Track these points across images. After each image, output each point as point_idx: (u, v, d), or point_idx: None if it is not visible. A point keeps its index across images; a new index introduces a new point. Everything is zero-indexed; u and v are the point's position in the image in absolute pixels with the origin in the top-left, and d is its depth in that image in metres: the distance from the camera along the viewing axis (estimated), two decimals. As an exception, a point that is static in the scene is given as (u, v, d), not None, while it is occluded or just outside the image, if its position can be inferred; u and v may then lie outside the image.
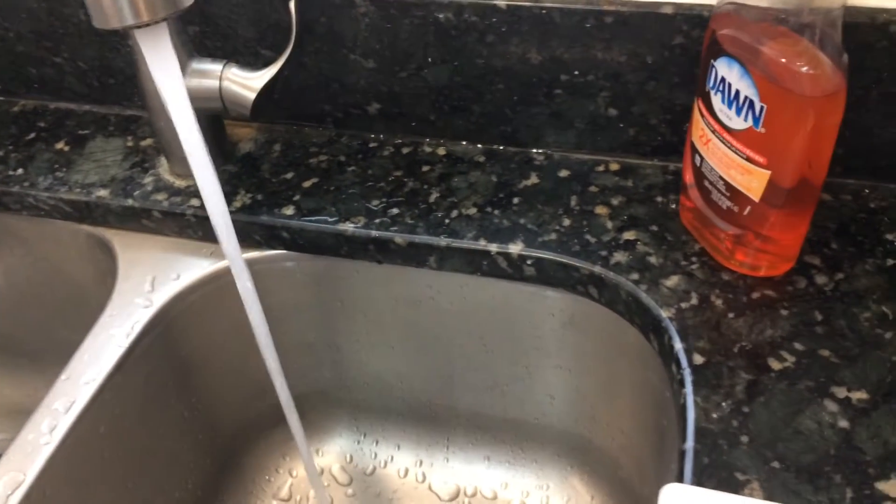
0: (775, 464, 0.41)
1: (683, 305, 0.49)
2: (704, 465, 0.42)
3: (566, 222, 0.55)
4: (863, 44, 0.49)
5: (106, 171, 0.63)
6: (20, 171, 0.64)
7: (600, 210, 0.56)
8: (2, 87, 0.72)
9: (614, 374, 0.58)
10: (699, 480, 0.41)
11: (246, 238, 0.59)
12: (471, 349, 0.63)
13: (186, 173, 0.62)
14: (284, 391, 0.53)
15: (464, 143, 0.63)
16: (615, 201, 0.57)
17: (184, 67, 0.57)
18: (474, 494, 0.70)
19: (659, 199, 0.56)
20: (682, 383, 0.46)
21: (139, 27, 0.34)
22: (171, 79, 0.36)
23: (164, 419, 0.60)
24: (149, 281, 0.59)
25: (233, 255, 0.45)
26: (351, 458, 0.73)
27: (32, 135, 0.68)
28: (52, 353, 0.73)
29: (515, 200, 0.57)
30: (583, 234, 0.54)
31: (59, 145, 0.67)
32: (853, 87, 0.50)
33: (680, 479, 0.42)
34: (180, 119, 0.37)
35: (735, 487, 0.40)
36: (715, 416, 0.44)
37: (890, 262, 0.50)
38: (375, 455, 0.72)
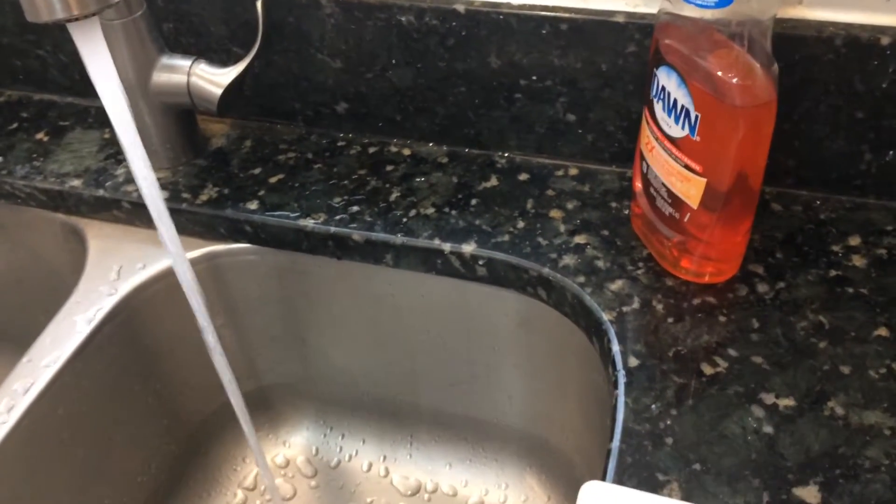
0: (696, 466, 0.42)
1: (625, 309, 0.50)
2: (627, 464, 0.42)
3: (520, 224, 0.56)
4: (810, 56, 0.50)
5: (81, 161, 0.65)
6: (0, 159, 0.66)
7: (554, 213, 0.57)
8: (-11, 79, 0.74)
9: (565, 374, 0.59)
10: (620, 479, 0.42)
11: (211, 231, 0.61)
12: (431, 347, 0.64)
13: (158, 166, 0.64)
14: (232, 384, 0.54)
15: (430, 144, 0.64)
16: (570, 205, 0.57)
17: (154, 62, 0.59)
18: (435, 491, 0.71)
19: (613, 204, 0.57)
20: (615, 384, 0.47)
21: (70, 21, 0.35)
22: (104, 72, 0.37)
23: (127, 404, 0.62)
24: (115, 270, 0.60)
25: (171, 247, 0.46)
26: (317, 450, 0.74)
27: (15, 125, 0.70)
28: (31, 337, 0.75)
29: (473, 202, 0.58)
30: (535, 237, 0.55)
31: (40, 135, 0.68)
32: (802, 98, 0.51)
33: (603, 477, 0.43)
34: (113, 112, 0.39)
35: (655, 487, 0.41)
36: (643, 416, 0.44)
37: (832, 272, 0.51)
38: (341, 448, 0.74)
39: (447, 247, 0.56)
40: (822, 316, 0.48)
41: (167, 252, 0.48)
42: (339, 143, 0.65)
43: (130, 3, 0.55)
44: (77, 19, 0.36)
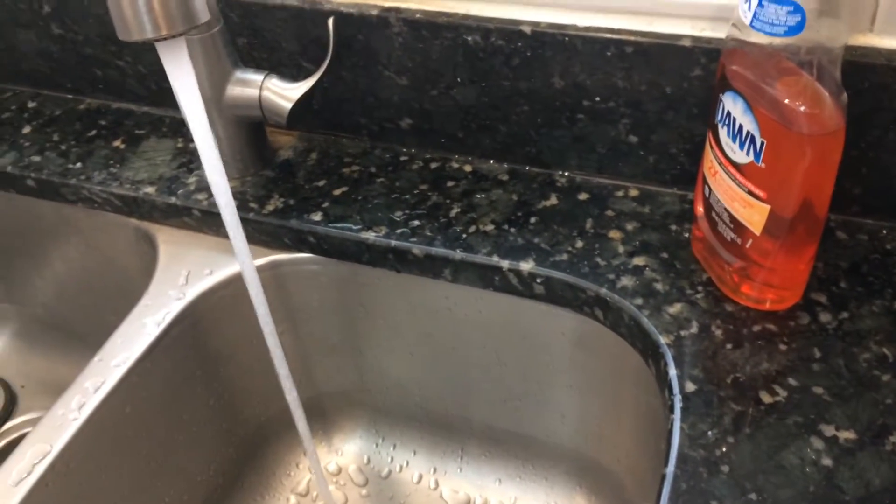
0: (752, 496, 0.42)
1: (683, 333, 0.50)
2: (682, 490, 0.42)
3: (579, 244, 0.57)
4: (880, 84, 0.49)
5: (155, 169, 0.68)
6: (79, 164, 0.69)
7: (613, 234, 0.57)
8: (71, 86, 0.77)
9: (619, 396, 0.59)
10: (674, 505, 0.42)
11: (276, 240, 0.63)
12: (485, 362, 0.65)
13: (228, 176, 0.66)
14: (292, 392, 0.56)
15: (491, 161, 0.65)
16: (629, 226, 0.57)
17: (228, 76, 0.61)
18: (483, 505, 0.71)
19: (673, 227, 0.57)
20: (671, 409, 0.46)
21: (158, 40, 0.37)
22: (187, 88, 0.39)
23: (189, 406, 0.64)
24: (184, 275, 0.62)
25: (242, 256, 0.48)
26: (368, 459, 0.75)
27: (94, 132, 0.73)
28: (101, 336, 0.77)
29: (532, 220, 0.59)
30: (593, 257, 0.56)
31: (117, 143, 0.71)
32: (871, 126, 0.50)
33: (657, 502, 0.42)
34: (195, 126, 0.40)
35: (708, 515, 0.41)
36: (699, 443, 0.44)
37: (899, 304, 0.50)
38: (392, 459, 0.75)
39: (505, 264, 0.56)
40: (886, 348, 0.47)
41: (237, 260, 0.49)
42: (402, 158, 0.66)
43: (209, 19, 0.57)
44: (165, 39, 0.37)
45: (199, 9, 0.38)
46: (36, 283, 0.82)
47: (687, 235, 0.56)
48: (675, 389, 0.47)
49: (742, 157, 0.45)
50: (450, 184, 0.63)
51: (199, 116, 0.40)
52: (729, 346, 0.49)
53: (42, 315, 0.84)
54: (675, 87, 0.54)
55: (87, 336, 0.83)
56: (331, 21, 0.60)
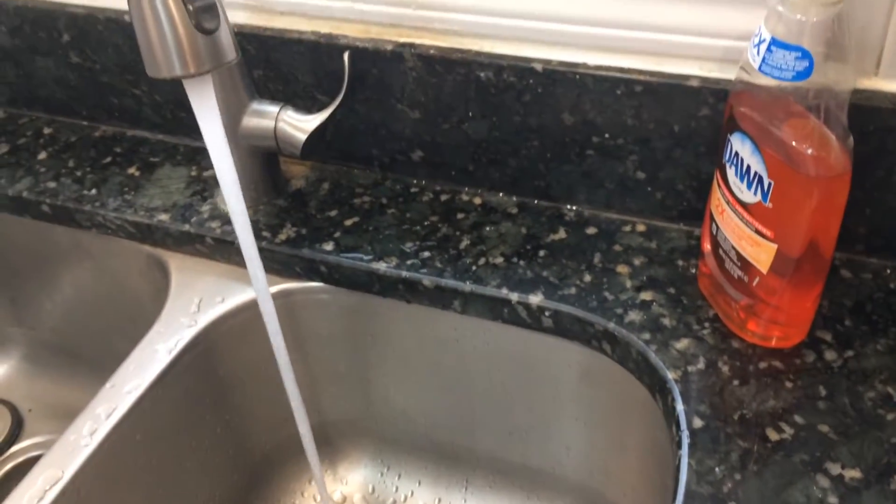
0: (759, 532, 0.42)
1: (690, 369, 0.51)
2: (689, 526, 0.43)
3: (587, 278, 0.57)
4: (885, 127, 0.50)
5: (169, 196, 0.69)
6: (94, 191, 0.70)
7: (621, 269, 0.58)
8: (87, 114, 0.78)
9: (625, 430, 0.59)
10: (681, 541, 0.42)
11: (288, 269, 0.63)
12: (492, 393, 0.65)
13: (240, 205, 0.67)
14: (304, 422, 0.56)
15: (500, 194, 0.66)
16: (637, 261, 0.58)
17: (244, 107, 0.62)
18: (488, 536, 0.71)
19: (680, 262, 0.58)
20: (679, 444, 0.47)
21: (186, 78, 0.38)
22: (212, 125, 0.40)
23: (197, 432, 0.64)
24: (196, 302, 0.63)
25: (259, 286, 0.49)
26: (373, 489, 0.75)
27: (109, 159, 0.74)
28: (109, 361, 0.78)
29: (541, 253, 0.60)
30: (601, 291, 0.56)
31: (131, 170, 0.72)
32: (876, 167, 0.51)
33: (664, 537, 0.43)
34: (218, 161, 0.41)
35: (716, 551, 0.41)
36: (706, 479, 0.45)
37: (903, 343, 0.50)
38: (397, 489, 0.75)
39: (514, 296, 0.57)
40: (891, 387, 0.48)
41: (254, 288, 0.50)
42: (413, 190, 0.67)
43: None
44: (192, 77, 0.39)
45: (226, 48, 0.39)
46: (45, 307, 0.82)
47: (693, 271, 0.57)
48: (683, 425, 0.47)
49: (750, 196, 0.46)
50: (460, 216, 0.64)
51: (223, 153, 0.41)
52: (736, 382, 0.49)
53: (50, 339, 0.85)
54: (683, 125, 0.55)
55: (94, 360, 0.83)
56: (346, 55, 0.61)
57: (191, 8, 0.36)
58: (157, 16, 0.36)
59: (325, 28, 0.63)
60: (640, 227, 0.61)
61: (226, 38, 0.39)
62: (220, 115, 0.40)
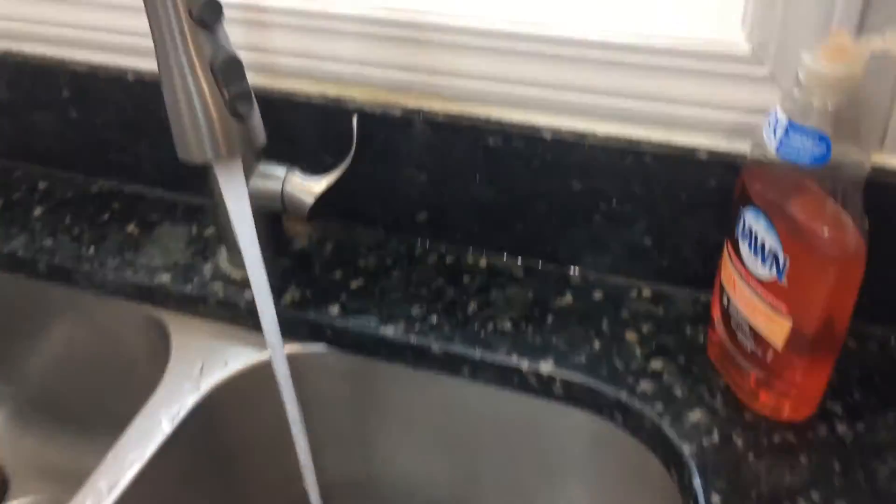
0: None
1: (705, 442, 0.50)
2: None
3: (596, 345, 0.57)
4: (890, 203, 0.51)
5: (169, 256, 0.68)
6: (92, 250, 0.69)
7: (630, 336, 0.58)
8: (84, 168, 0.77)
9: (635, 501, 0.59)
10: None
11: (293, 332, 0.63)
12: (498, 460, 0.64)
13: (243, 264, 0.66)
14: (314, 487, 0.55)
15: (504, 256, 0.66)
16: (645, 328, 0.58)
17: (251, 169, 0.62)
18: None
19: (688, 329, 0.58)
20: (697, 521, 0.47)
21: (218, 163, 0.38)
22: (241, 205, 0.40)
23: (200, 498, 0.63)
24: (198, 366, 0.62)
25: (277, 354, 0.48)
26: (374, 551, 0.74)
27: (106, 215, 0.73)
28: (99, 422, 0.76)
29: (549, 318, 0.60)
30: (612, 359, 0.56)
31: (130, 228, 0.71)
32: (883, 244, 0.52)
33: None
34: (244, 239, 0.41)
35: None
36: (726, 558, 0.44)
37: (913, 415, 0.51)
38: (396, 553, 0.74)
39: (525, 364, 0.57)
40: (905, 462, 0.48)
41: (272, 356, 0.49)
42: (417, 251, 0.67)
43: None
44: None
45: (258, 132, 0.39)
46: (36, 365, 0.80)
47: (702, 338, 0.57)
48: (702, 501, 0.47)
49: (765, 273, 0.47)
50: (466, 279, 0.64)
51: (251, 237, 0.41)
52: (751, 456, 0.49)
53: (39, 398, 0.83)
54: (690, 194, 0.56)
55: (84, 421, 0.82)
56: (355, 119, 0.61)
57: (227, 96, 0.36)
58: (192, 102, 0.36)
59: (332, 91, 0.63)
60: (646, 292, 0.62)
61: (257, 123, 0.39)
62: (248, 195, 0.40)
